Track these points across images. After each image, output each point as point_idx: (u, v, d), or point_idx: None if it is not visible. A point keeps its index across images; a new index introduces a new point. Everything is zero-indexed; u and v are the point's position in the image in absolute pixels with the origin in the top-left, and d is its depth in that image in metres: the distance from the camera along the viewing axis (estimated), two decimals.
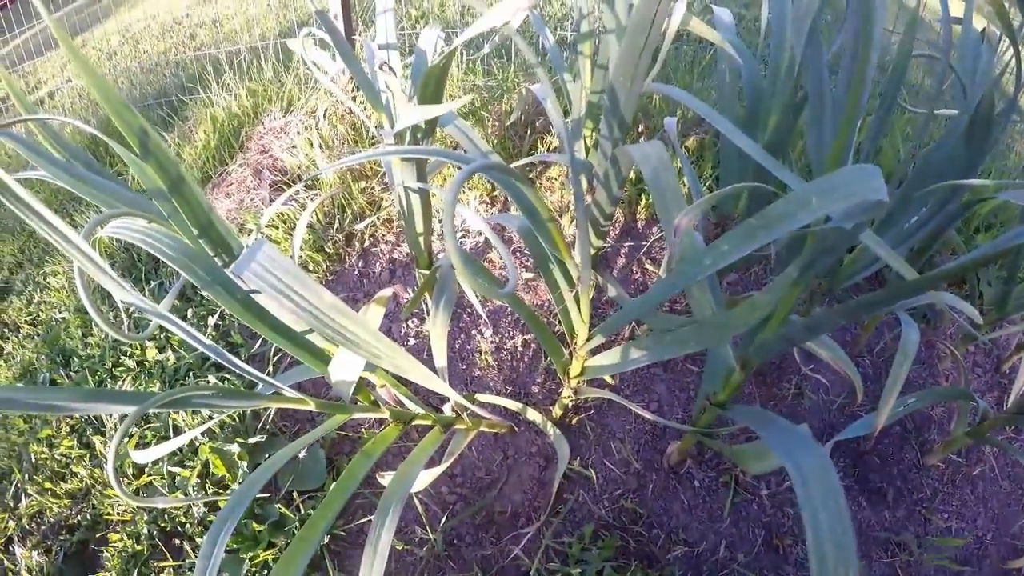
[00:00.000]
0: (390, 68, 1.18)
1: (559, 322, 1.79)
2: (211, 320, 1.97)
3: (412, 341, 1.87)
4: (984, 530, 1.67)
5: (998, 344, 1.94)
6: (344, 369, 0.97)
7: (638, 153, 0.97)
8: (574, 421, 1.70)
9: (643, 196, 1.99)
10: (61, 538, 1.77)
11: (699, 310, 1.01)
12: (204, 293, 2.01)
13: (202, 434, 1.75)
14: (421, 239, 1.41)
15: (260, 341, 1.92)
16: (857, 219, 0.83)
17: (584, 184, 1.47)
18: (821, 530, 0.75)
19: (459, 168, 2.13)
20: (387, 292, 1.12)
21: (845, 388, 1.78)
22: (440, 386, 0.92)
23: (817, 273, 0.96)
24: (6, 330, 2.41)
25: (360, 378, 1.19)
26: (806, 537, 0.75)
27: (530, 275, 1.92)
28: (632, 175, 1.99)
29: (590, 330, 1.22)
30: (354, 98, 2.35)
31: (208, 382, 1.86)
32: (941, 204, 1.36)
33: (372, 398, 1.19)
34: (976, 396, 1.49)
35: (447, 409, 1.36)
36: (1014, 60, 1.21)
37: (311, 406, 1.02)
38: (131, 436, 1.81)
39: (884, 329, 1.89)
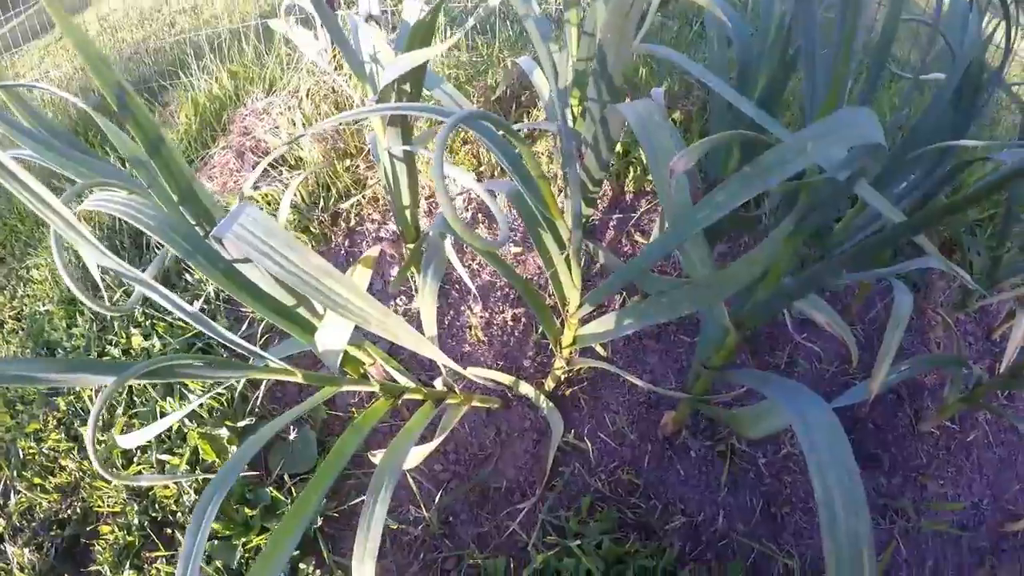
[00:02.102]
0: (375, 20, 1.15)
1: (550, 295, 1.78)
2: (196, 304, 1.94)
3: (403, 317, 1.84)
4: (980, 495, 1.67)
5: (988, 312, 1.94)
6: (331, 337, 0.95)
7: (629, 111, 0.95)
8: (567, 394, 1.68)
9: (631, 169, 1.97)
10: (52, 534, 1.74)
11: (693, 269, 0.99)
12: (188, 278, 1.98)
13: (190, 420, 1.73)
14: (408, 212, 1.38)
15: (246, 324, 1.89)
16: (851, 168, 0.81)
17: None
18: (829, 484, 0.74)
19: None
20: (374, 251, 1.10)
21: (838, 356, 1.77)
22: (430, 350, 0.89)
23: (811, 228, 0.94)
24: None
25: (348, 353, 1.17)
26: (814, 491, 0.73)
27: (518, 250, 1.90)
28: (620, 148, 1.97)
29: (582, 296, 1.19)
30: (338, 70, 2.32)
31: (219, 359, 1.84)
32: (930, 169, 1.35)
33: (361, 371, 1.17)
34: (969, 362, 1.49)
35: (438, 384, 1.34)
36: (1003, 28, 1.20)
37: (298, 377, 0.99)
38: (117, 423, 1.78)
39: (875, 298, 1.88)
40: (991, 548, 1.62)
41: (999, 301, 1.88)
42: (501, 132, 0.91)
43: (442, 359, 0.92)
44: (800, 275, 0.96)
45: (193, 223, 1.03)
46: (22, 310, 2.35)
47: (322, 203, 2.05)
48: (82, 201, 0.84)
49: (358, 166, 2.13)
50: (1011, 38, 1.22)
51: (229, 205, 2.11)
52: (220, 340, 0.89)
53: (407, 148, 1.16)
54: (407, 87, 1.11)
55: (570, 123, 1.50)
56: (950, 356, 1.61)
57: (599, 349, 1.72)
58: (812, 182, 0.90)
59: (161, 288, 0.82)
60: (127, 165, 0.99)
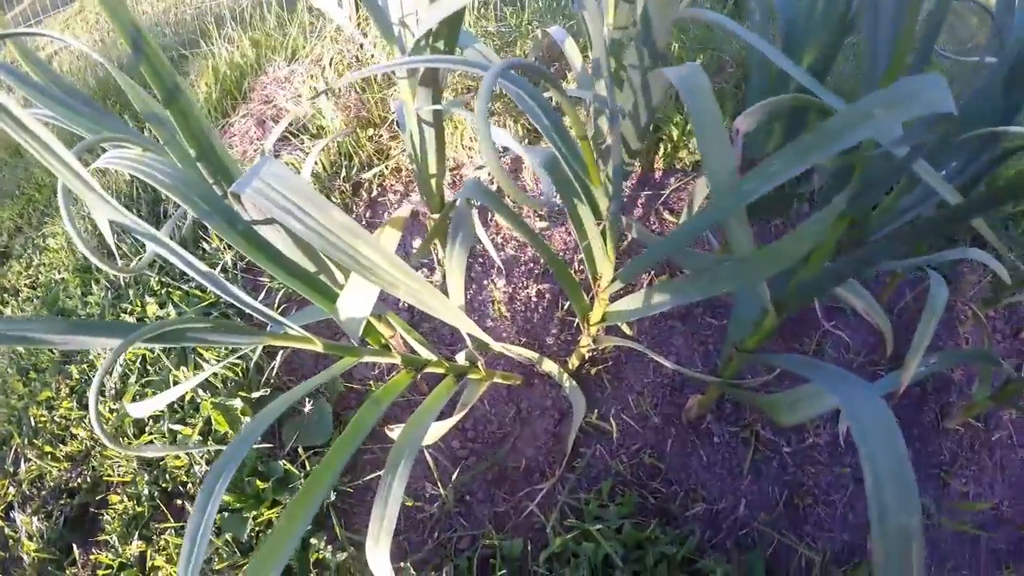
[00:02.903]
0: None
1: (576, 270, 1.73)
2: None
3: None
4: (1002, 496, 1.62)
5: (1017, 311, 1.89)
6: (355, 304, 0.91)
7: (674, 74, 0.90)
8: (591, 373, 1.64)
9: (661, 145, 1.92)
10: (61, 502, 1.73)
11: (738, 245, 0.94)
12: (205, 247, 1.95)
13: (204, 390, 1.70)
14: (433, 181, 1.33)
15: (264, 294, 1.86)
16: (912, 141, 0.76)
17: (605, 126, 1.40)
18: (881, 475, 0.69)
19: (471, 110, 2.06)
20: (405, 210, 1.05)
21: (866, 346, 1.72)
22: (461, 319, 0.85)
23: (864, 207, 0.89)
24: (6, 295, 2.36)
25: (370, 324, 1.13)
26: (865, 482, 0.69)
27: (544, 224, 1.86)
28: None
29: (615, 271, 1.15)
30: (365, 34, 2.27)
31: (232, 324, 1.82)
32: (975, 154, 1.30)
33: (383, 341, 1.13)
34: (999, 359, 1.44)
35: (460, 358, 1.30)
36: None
37: (318, 347, 0.95)
38: (129, 391, 1.75)
39: (905, 289, 1.83)
40: (1009, 551, 1.58)
41: None
42: (546, 94, 0.86)
43: (472, 328, 0.87)
44: (848, 256, 0.91)
45: (211, 182, 0.99)
46: (37, 278, 2.34)
47: (344, 173, 2.01)
48: (95, 160, 0.80)
49: (381, 136, 2.09)
50: None
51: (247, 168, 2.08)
52: (239, 307, 0.85)
53: (438, 108, 1.11)
54: (440, 44, 1.06)
55: (603, 92, 1.46)
56: (980, 351, 1.56)
57: (625, 329, 1.67)
58: (868, 156, 0.85)
59: (174, 245, 0.78)
60: (149, 129, 0.95)
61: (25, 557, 1.65)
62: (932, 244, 1.82)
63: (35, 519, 1.70)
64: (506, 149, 1.98)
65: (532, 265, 1.83)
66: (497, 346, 1.13)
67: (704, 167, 0.89)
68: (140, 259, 1.04)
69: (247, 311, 0.86)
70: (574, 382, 1.51)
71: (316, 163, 2.00)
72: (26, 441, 1.84)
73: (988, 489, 1.62)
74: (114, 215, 0.73)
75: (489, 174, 1.88)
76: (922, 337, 1.17)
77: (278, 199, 0.71)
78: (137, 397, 1.75)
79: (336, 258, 0.73)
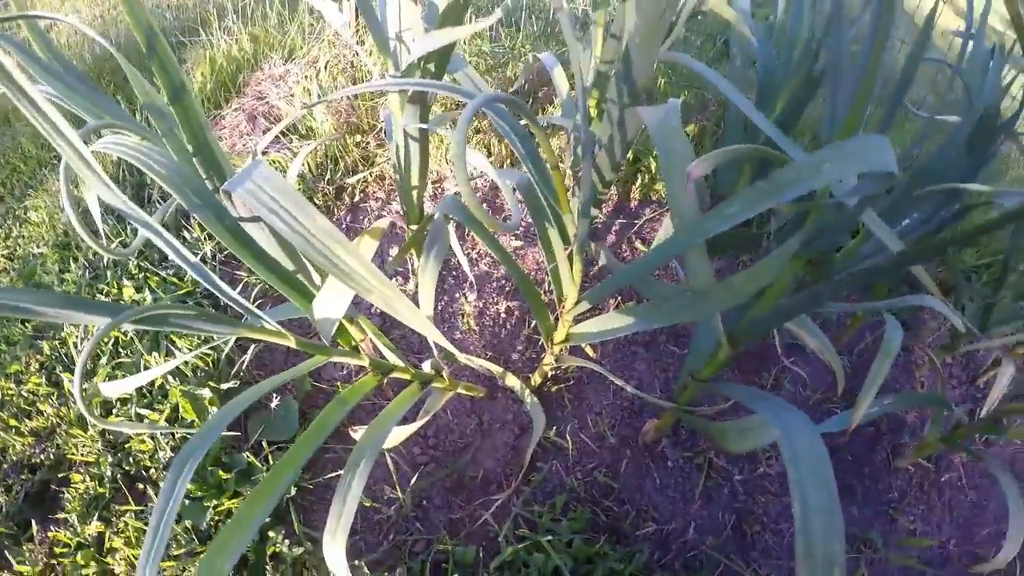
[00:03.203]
0: None
1: (545, 292, 1.78)
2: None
3: None
4: (949, 535, 1.68)
5: (975, 358, 1.96)
6: (329, 305, 0.95)
7: (648, 114, 0.95)
8: (552, 391, 1.69)
9: (639, 176, 1.98)
10: (23, 477, 1.73)
11: (696, 278, 1.00)
12: (186, 236, 1.97)
13: (173, 377, 1.72)
14: (414, 193, 1.38)
15: (240, 287, 1.89)
16: (862, 193, 0.82)
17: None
18: (809, 504, 0.75)
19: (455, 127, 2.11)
20: (383, 222, 1.10)
21: (822, 384, 1.78)
22: (425, 326, 0.90)
23: (816, 250, 0.95)
24: None
25: (342, 326, 1.17)
26: (793, 508, 0.74)
27: (519, 244, 1.91)
28: (630, 155, 1.98)
29: (579, 293, 1.20)
30: (361, 43, 2.31)
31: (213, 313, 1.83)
32: (936, 208, 1.36)
33: (353, 343, 1.17)
34: (952, 404, 1.50)
35: (426, 367, 1.34)
36: (1020, 80, 1.21)
37: (291, 342, 0.99)
38: (100, 372, 1.77)
39: (865, 331, 1.90)
40: None
41: (986, 348, 1.90)
42: (522, 121, 0.91)
43: (439, 338, 0.92)
44: (805, 291, 0.97)
45: (203, 176, 1.03)
46: (15, 250, 2.33)
47: (328, 175, 2.04)
48: (92, 142, 0.83)
49: (368, 143, 2.13)
50: None
51: (237, 166, 2.10)
52: (214, 298, 0.89)
53: (424, 127, 1.16)
54: (431, 66, 1.11)
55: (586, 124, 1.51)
56: (933, 395, 1.62)
57: (588, 351, 1.72)
58: (821, 205, 0.91)
59: (169, 236, 0.82)
60: (141, 112, 0.99)
61: None
62: (893, 289, 1.90)
63: None
64: None
65: (504, 282, 1.87)
66: (462, 358, 1.18)
67: (670, 203, 0.94)
68: (133, 243, 1.08)
69: (223, 303, 0.90)
70: (536, 398, 1.55)
71: (303, 164, 2.03)
72: None
73: (936, 528, 1.68)
74: (113, 200, 0.77)
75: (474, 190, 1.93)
76: (875, 378, 1.23)
77: (267, 200, 0.75)
78: (108, 378, 1.76)
79: (316, 261, 0.77)
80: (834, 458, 1.64)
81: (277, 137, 2.17)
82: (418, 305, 1.19)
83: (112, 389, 1.11)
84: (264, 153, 2.09)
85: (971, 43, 1.30)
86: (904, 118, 2.41)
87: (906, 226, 1.43)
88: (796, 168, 0.75)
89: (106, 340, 1.84)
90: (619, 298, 1.83)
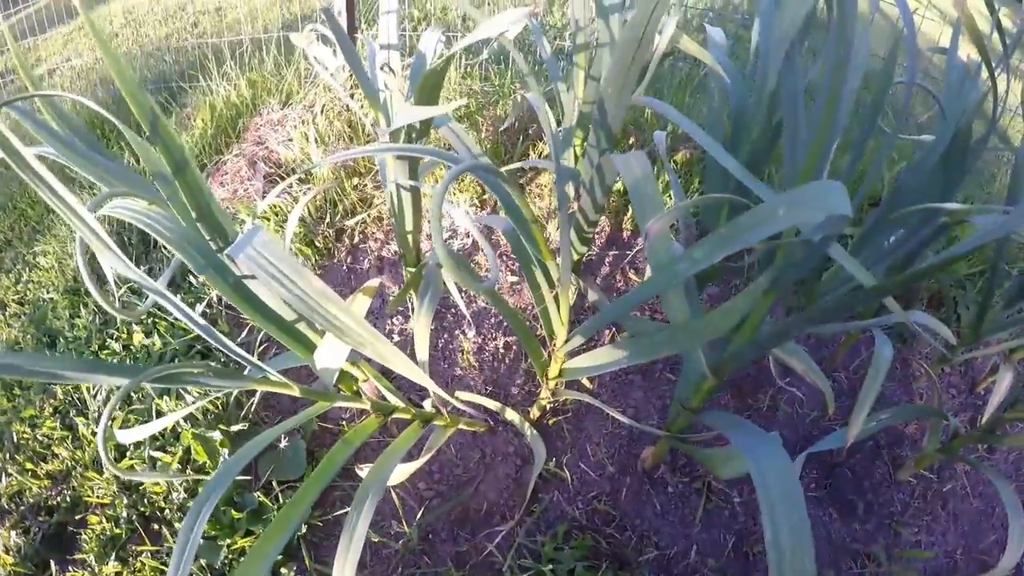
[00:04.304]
0: (390, 69, 1.21)
1: (541, 326, 1.83)
2: (198, 308, 1.99)
3: (396, 338, 1.89)
4: (953, 546, 1.70)
5: (973, 366, 1.98)
6: (329, 356, 1.00)
7: (621, 163, 1.01)
8: (551, 423, 1.73)
9: (629, 207, 2.02)
10: (40, 519, 1.77)
11: (674, 315, 1.04)
12: (192, 281, 2.03)
13: (184, 420, 1.77)
14: (410, 237, 1.43)
15: (246, 331, 1.94)
16: (825, 232, 0.87)
17: (571, 191, 1.51)
18: (779, 526, 0.79)
19: (449, 168, 2.17)
20: (374, 282, 1.16)
21: (819, 402, 1.81)
22: (419, 376, 0.95)
23: (787, 284, 1.00)
24: None
25: (343, 370, 1.22)
26: (764, 531, 0.78)
27: (515, 279, 1.96)
28: (620, 186, 2.03)
29: (569, 332, 1.25)
30: (352, 95, 2.38)
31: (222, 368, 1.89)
32: (917, 226, 1.40)
33: (355, 388, 1.22)
34: (948, 414, 1.53)
35: (427, 405, 1.39)
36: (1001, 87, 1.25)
37: (295, 391, 1.04)
38: (115, 418, 1.82)
39: (861, 347, 1.92)
40: None
41: (983, 356, 1.92)
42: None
43: (431, 386, 0.97)
44: (774, 326, 1.02)
45: (207, 237, 1.08)
46: (26, 295, 2.37)
47: (328, 219, 2.10)
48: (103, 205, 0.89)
49: (366, 185, 2.19)
50: (997, 106, 1.28)
51: (238, 213, 2.17)
52: (221, 348, 0.94)
53: (414, 184, 1.21)
54: (416, 124, 1.17)
55: (571, 162, 1.57)
56: (929, 407, 1.65)
57: (585, 382, 1.77)
58: (788, 243, 0.95)
59: (174, 299, 0.88)
60: (147, 173, 1.04)
61: (1, 571, 1.70)
62: (883, 306, 1.93)
63: (13, 533, 1.74)
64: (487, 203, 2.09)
65: (501, 318, 1.92)
66: (457, 402, 1.22)
67: (645, 246, 0.99)
68: (141, 306, 1.14)
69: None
70: (535, 431, 1.59)
71: (303, 209, 2.09)
72: (7, 456, 1.89)
73: (941, 538, 1.70)
74: (127, 272, 0.83)
75: (465, 231, 1.98)
76: (867, 395, 1.26)
77: (266, 265, 0.80)
78: (123, 424, 1.81)
79: (312, 319, 0.83)
80: (834, 474, 1.69)
81: (277, 182, 2.24)
82: (416, 347, 1.24)
83: (128, 436, 1.17)
84: (263, 196, 2.15)
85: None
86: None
87: (890, 245, 1.47)
88: (754, 215, 0.79)
89: (119, 387, 1.88)
90: (614, 330, 1.87)
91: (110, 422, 1.80)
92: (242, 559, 1.55)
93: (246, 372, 1.12)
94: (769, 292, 0.98)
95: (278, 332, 1.05)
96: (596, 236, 2.02)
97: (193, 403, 1.17)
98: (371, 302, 1.95)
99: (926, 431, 1.77)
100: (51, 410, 1.96)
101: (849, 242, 1.50)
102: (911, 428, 1.84)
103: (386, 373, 1.66)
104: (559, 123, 1.82)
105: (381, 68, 1.19)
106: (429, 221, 2.01)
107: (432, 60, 1.32)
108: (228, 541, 1.59)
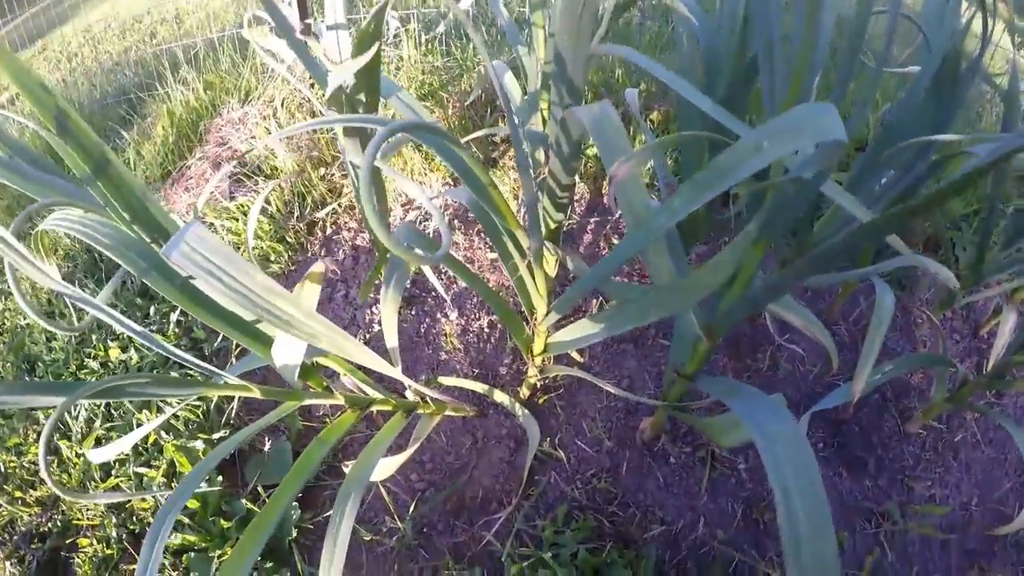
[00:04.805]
0: (312, 32, 1.13)
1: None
2: (173, 316, 1.93)
3: (376, 328, 1.83)
4: (968, 496, 1.65)
5: (975, 309, 1.92)
6: (286, 353, 0.93)
7: (584, 111, 0.93)
8: (543, 401, 1.67)
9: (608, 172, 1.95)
10: (33, 547, 1.74)
11: (658, 276, 0.97)
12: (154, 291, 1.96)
13: (167, 432, 1.72)
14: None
15: (223, 336, 1.88)
16: (817, 167, 0.79)
17: (542, 156, 1.43)
18: (792, 498, 0.72)
19: (418, 148, 2.09)
20: (319, 267, 1.08)
21: (821, 357, 1.75)
22: (380, 364, 0.88)
23: (778, 231, 0.92)
24: None
25: (316, 364, 1.16)
26: (777, 514, 0.71)
27: (495, 255, 1.88)
28: (595, 150, 1.96)
29: (549, 304, 1.18)
30: (312, 85, 2.30)
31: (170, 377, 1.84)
32: (910, 164, 1.33)
33: (324, 384, 1.15)
34: (955, 361, 1.47)
35: (409, 394, 1.32)
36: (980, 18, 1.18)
37: (255, 393, 0.97)
38: (93, 435, 1.76)
39: (859, 296, 1.86)
40: (981, 550, 1.60)
41: (985, 298, 1.86)
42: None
43: (398, 375, 0.90)
44: (767, 279, 0.94)
45: (148, 240, 1.01)
46: (3, 323, 2.33)
47: (298, 212, 2.03)
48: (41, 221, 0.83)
49: (333, 174, 2.12)
50: (987, 27, 1.20)
51: (205, 216, 2.10)
52: (200, 349, 0.88)
53: (361, 162, 1.14)
54: (362, 96, 1.09)
55: (539, 128, 1.49)
56: (935, 355, 1.59)
57: (575, 355, 1.70)
58: (777, 183, 0.88)
59: (108, 309, 0.81)
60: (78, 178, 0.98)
61: None
62: (882, 251, 1.86)
63: (8, 564, 1.71)
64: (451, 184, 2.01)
65: (483, 298, 1.85)
66: (428, 391, 1.16)
67: (620, 203, 0.91)
68: (81, 322, 1.08)
69: (207, 353, 0.89)
70: (527, 411, 1.53)
71: (270, 204, 2.02)
72: None
73: (955, 490, 1.65)
74: (51, 284, 0.76)
75: (438, 207, 1.91)
76: (871, 347, 1.20)
77: (202, 262, 0.73)
78: (102, 441, 1.76)
79: (257, 315, 0.76)
80: (841, 431, 1.63)
81: (243, 180, 2.16)
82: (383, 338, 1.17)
83: (100, 455, 1.12)
84: (232, 198, 2.08)
85: None
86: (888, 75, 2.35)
87: (884, 185, 1.40)
88: (734, 151, 0.72)
89: (97, 404, 1.83)
90: (600, 298, 1.80)
91: (82, 440, 1.76)
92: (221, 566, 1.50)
93: (221, 379, 1.05)
94: (759, 241, 0.91)
95: (234, 332, 0.98)
96: (576, 204, 1.95)
97: (166, 414, 1.11)
98: (344, 289, 1.88)
99: (932, 380, 1.72)
100: (35, 436, 1.91)
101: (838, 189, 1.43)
102: (917, 378, 1.78)
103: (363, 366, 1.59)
104: (525, 92, 1.75)
105: (300, 33, 1.11)
106: (403, 200, 1.94)
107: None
108: (219, 552, 1.54)
